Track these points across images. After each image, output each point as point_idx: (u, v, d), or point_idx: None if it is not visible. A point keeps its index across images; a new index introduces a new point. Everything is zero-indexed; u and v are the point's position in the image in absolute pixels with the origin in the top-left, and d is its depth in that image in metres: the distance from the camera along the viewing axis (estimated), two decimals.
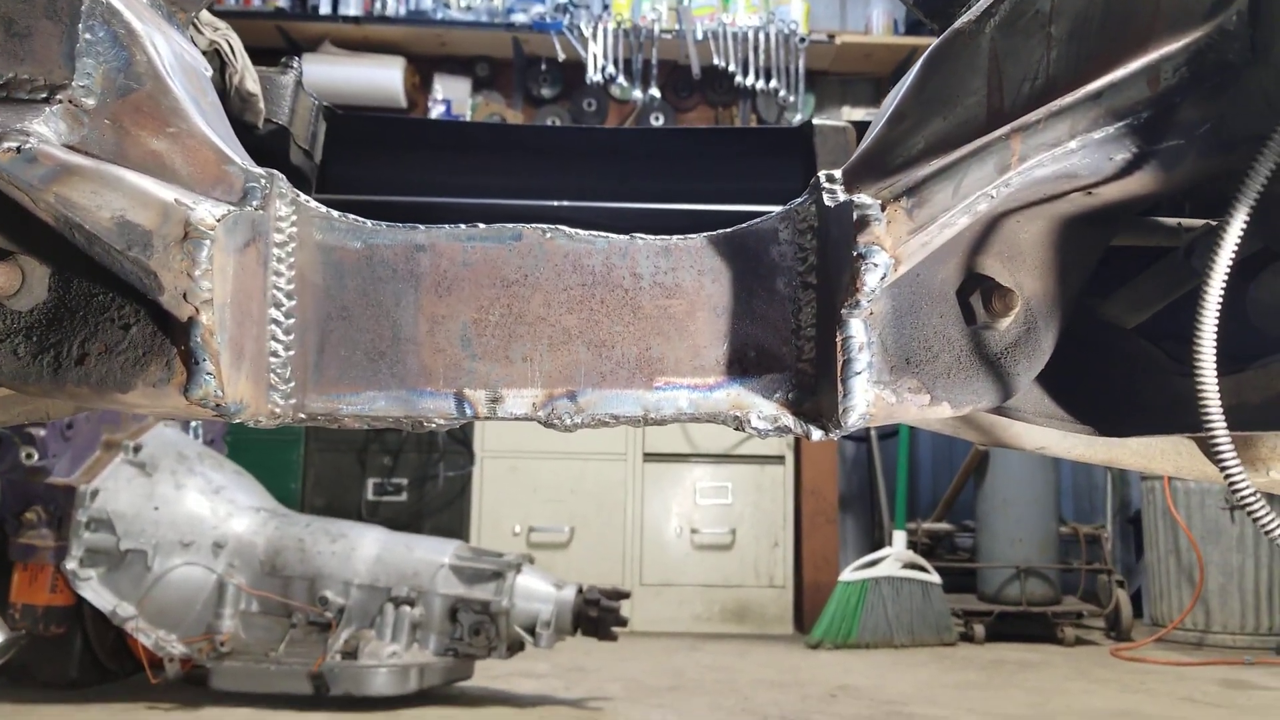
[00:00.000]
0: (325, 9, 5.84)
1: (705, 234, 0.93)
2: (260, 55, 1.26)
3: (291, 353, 0.89)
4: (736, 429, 0.92)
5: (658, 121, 5.95)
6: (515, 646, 3.23)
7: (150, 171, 0.83)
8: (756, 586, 5.06)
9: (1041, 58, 0.86)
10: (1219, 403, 0.80)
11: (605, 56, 5.78)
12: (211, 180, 0.85)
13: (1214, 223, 0.85)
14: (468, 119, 5.93)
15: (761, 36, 5.80)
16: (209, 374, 0.81)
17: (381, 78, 5.77)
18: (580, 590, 3.27)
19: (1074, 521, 5.35)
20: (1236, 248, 0.79)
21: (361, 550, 3.28)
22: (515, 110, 6.07)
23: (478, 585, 3.23)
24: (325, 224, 0.91)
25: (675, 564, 5.07)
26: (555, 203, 1.33)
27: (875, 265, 0.81)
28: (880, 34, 6.08)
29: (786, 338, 0.91)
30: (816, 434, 0.89)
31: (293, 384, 0.89)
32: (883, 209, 0.82)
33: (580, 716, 3.11)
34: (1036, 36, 0.86)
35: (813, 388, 0.90)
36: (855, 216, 0.82)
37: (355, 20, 5.79)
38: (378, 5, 5.86)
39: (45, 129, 0.81)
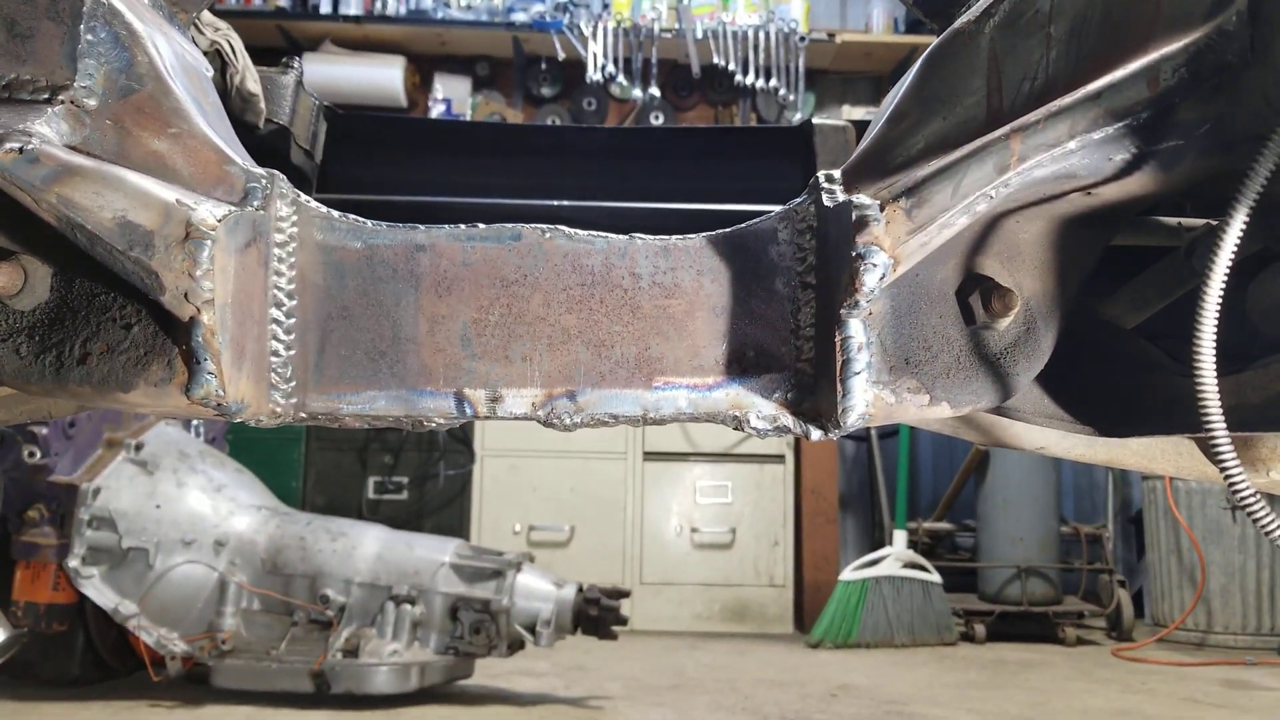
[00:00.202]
0: (326, 8, 5.84)
1: (704, 234, 0.93)
2: (261, 55, 1.26)
3: (292, 352, 0.90)
4: (736, 429, 0.92)
5: (658, 120, 5.95)
6: (515, 645, 3.23)
7: (152, 172, 0.83)
8: (757, 586, 5.06)
9: (1041, 58, 0.86)
10: (1219, 403, 0.80)
11: (605, 55, 5.78)
12: (213, 180, 0.85)
13: (1214, 223, 0.85)
14: (468, 118, 5.94)
15: (761, 35, 5.80)
16: (210, 373, 0.81)
17: (382, 77, 5.78)
18: (580, 589, 3.27)
19: (1075, 521, 5.35)
20: (1236, 248, 0.79)
21: (362, 549, 3.28)
22: (515, 109, 6.08)
23: (478, 584, 3.24)
24: (326, 224, 0.91)
25: (675, 563, 5.07)
26: (555, 202, 1.33)
27: (874, 265, 0.81)
28: (880, 33, 6.08)
29: (785, 338, 0.91)
30: (815, 434, 0.89)
31: (294, 383, 0.90)
32: (882, 209, 0.82)
33: (580, 715, 3.11)
34: (1036, 36, 0.86)
35: (812, 388, 0.90)
36: (854, 216, 0.82)
37: (356, 19, 5.80)
38: (378, 4, 5.86)
39: (47, 130, 0.81)
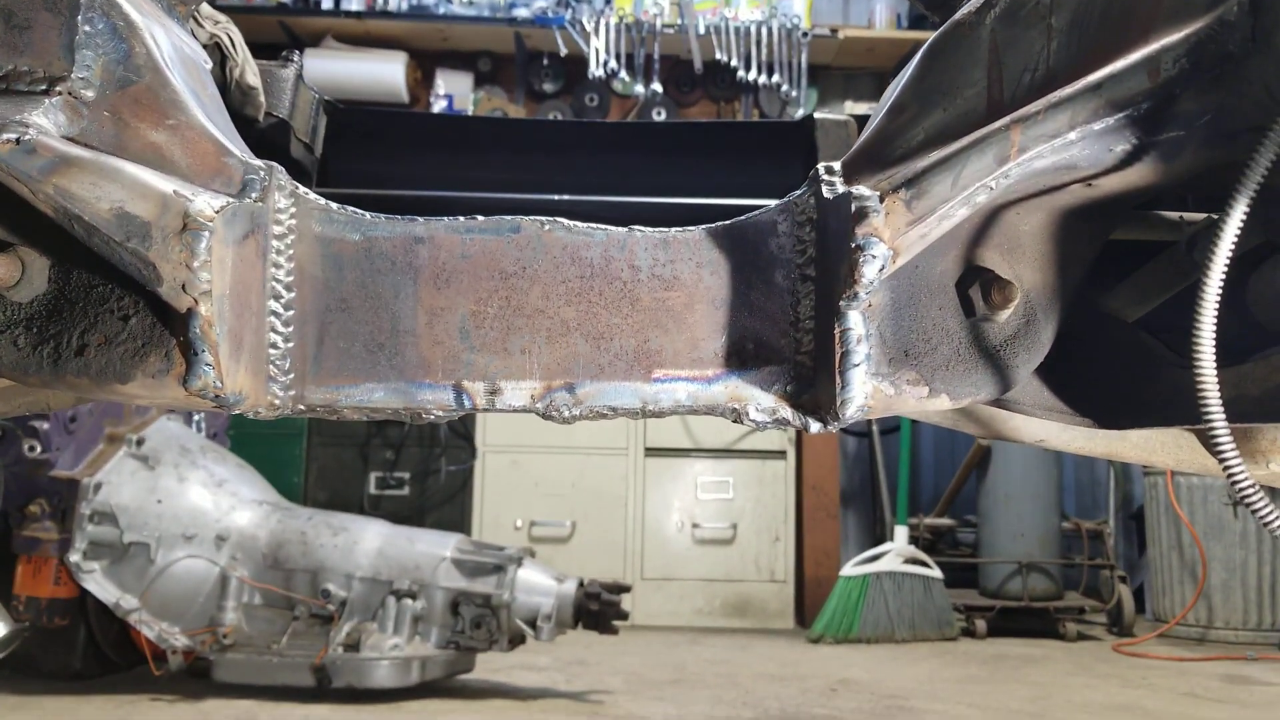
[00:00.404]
0: (327, 4, 5.83)
1: (704, 226, 0.93)
2: (262, 50, 1.26)
3: (290, 344, 0.89)
4: (735, 421, 0.92)
5: (660, 116, 5.95)
6: (516, 640, 3.23)
7: (149, 163, 0.83)
8: (758, 581, 5.06)
9: (1042, 49, 0.85)
10: (1219, 395, 0.80)
11: (607, 51, 5.77)
12: (210, 172, 0.85)
13: (1215, 216, 0.84)
14: (470, 114, 5.93)
15: (764, 31, 5.79)
16: (208, 365, 0.81)
17: (383, 73, 5.77)
18: (581, 584, 3.27)
19: (1076, 517, 5.35)
20: (1236, 240, 0.79)
21: (363, 543, 3.29)
22: (517, 105, 6.07)
23: (479, 578, 3.24)
24: (324, 216, 0.91)
25: (676, 558, 5.08)
26: (555, 196, 1.33)
27: (874, 257, 0.81)
28: (883, 28, 6.07)
29: (785, 330, 0.91)
30: (815, 426, 0.89)
31: (292, 375, 0.90)
32: (881, 200, 0.82)
33: (581, 709, 3.12)
34: (1037, 28, 0.86)
35: (811, 380, 0.90)
36: (854, 208, 0.82)
37: (357, 15, 5.79)
38: (379, 0, 5.85)
39: (45, 121, 0.81)
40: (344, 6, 5.82)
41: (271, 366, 0.89)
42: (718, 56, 5.81)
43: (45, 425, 3.01)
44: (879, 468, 5.40)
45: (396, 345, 0.91)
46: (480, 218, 0.92)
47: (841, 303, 0.84)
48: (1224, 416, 0.80)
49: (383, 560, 3.25)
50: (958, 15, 0.89)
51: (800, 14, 5.84)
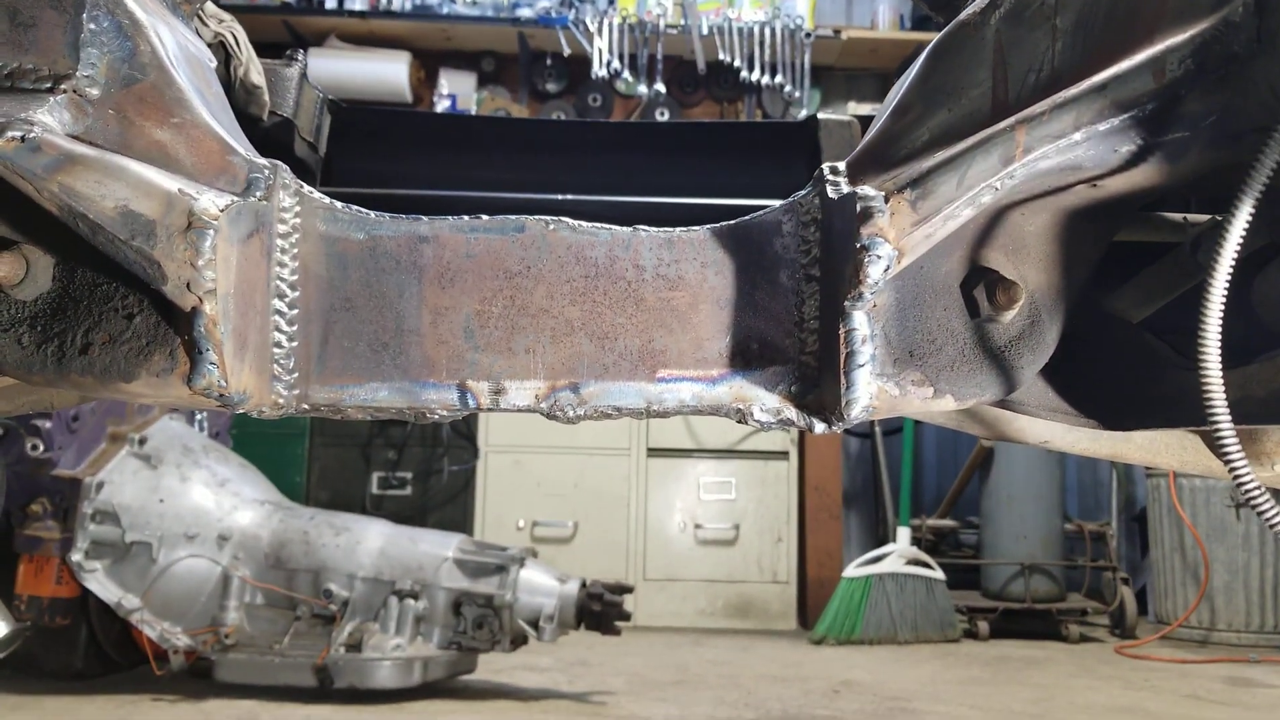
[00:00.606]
0: (331, 3, 5.84)
1: (708, 226, 0.92)
2: (266, 50, 1.26)
3: (295, 343, 0.89)
4: (739, 421, 0.92)
5: (663, 117, 5.95)
6: (519, 640, 3.23)
7: (154, 162, 0.83)
8: (760, 582, 5.06)
9: (1047, 49, 0.85)
10: (1224, 397, 0.79)
11: (610, 51, 5.78)
12: (215, 171, 0.85)
13: (1220, 218, 0.84)
14: (473, 114, 5.93)
15: (767, 31, 5.79)
16: (212, 364, 0.81)
17: (387, 72, 5.78)
18: (584, 584, 3.27)
19: (1079, 518, 5.34)
20: (1241, 242, 0.79)
21: (366, 543, 3.29)
22: (520, 105, 6.07)
23: (481, 579, 3.24)
24: (329, 215, 0.91)
25: (679, 559, 5.07)
26: (559, 196, 1.33)
27: (878, 257, 0.81)
28: (886, 29, 6.07)
29: (789, 330, 0.91)
30: (819, 426, 0.89)
31: (296, 374, 0.90)
32: (886, 200, 0.82)
33: (583, 710, 3.11)
34: (1042, 28, 0.86)
35: (815, 380, 0.90)
36: (859, 208, 0.82)
37: (361, 15, 5.80)
38: (383, 0, 5.86)
39: (49, 118, 0.81)
40: (347, 6, 5.83)
41: (276, 365, 0.89)
42: (721, 57, 5.81)
43: (48, 424, 3.01)
44: (881, 469, 5.39)
45: (401, 344, 0.90)
46: (485, 217, 0.92)
47: (846, 303, 0.84)
48: (1229, 418, 0.80)
49: (385, 560, 3.25)
50: (962, 16, 0.89)
51: (803, 15, 5.84)
